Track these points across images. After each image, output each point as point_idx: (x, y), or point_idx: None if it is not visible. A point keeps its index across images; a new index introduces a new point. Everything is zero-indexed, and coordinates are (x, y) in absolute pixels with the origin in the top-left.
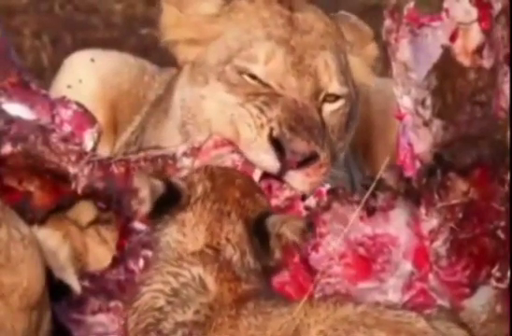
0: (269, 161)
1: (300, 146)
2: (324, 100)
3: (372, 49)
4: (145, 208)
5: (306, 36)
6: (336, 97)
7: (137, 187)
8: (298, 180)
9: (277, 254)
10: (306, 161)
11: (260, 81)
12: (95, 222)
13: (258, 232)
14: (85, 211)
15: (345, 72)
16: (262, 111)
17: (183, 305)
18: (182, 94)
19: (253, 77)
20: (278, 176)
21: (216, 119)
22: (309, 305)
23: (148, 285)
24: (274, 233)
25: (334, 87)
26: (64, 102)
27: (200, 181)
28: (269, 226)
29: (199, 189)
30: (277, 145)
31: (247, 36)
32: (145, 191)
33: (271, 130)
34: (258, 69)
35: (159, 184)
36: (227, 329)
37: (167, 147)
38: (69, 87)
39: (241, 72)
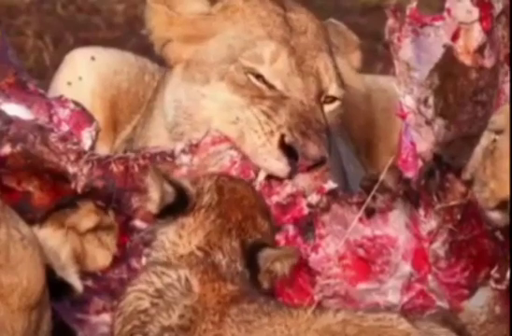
0: (279, 166)
1: (312, 150)
2: (324, 101)
3: (355, 59)
4: (152, 208)
5: (303, 37)
6: (333, 98)
7: (149, 186)
8: (306, 183)
9: (266, 285)
10: (316, 164)
11: (265, 82)
12: (95, 229)
13: (249, 264)
14: (84, 218)
15: (339, 74)
16: (269, 117)
17: (168, 308)
18: (176, 95)
19: (258, 77)
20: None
21: (217, 117)
22: (289, 315)
23: (133, 284)
24: (264, 269)
25: (334, 89)
26: (61, 101)
27: (208, 191)
28: (261, 260)
29: (205, 199)
30: (287, 150)
31: (249, 36)
32: (155, 195)
33: (282, 136)
34: (264, 69)
35: (171, 191)
36: None
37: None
38: (69, 84)
39: (247, 72)
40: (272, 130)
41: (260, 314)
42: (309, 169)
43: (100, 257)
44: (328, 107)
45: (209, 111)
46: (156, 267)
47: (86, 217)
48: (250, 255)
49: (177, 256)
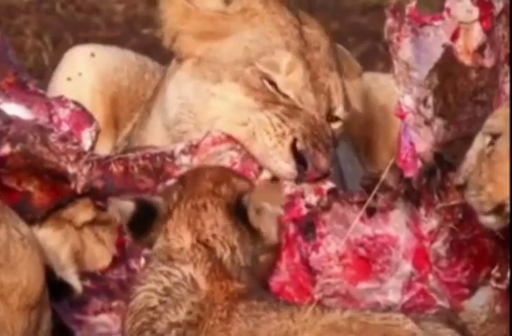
0: (288, 169)
1: (322, 163)
2: (329, 120)
3: (357, 85)
4: (128, 234)
5: (317, 53)
6: (336, 118)
7: (112, 214)
8: (309, 191)
9: (264, 230)
10: (321, 177)
11: (278, 90)
12: (92, 223)
13: (239, 214)
14: (81, 212)
15: (346, 97)
16: (283, 121)
17: (175, 305)
18: (182, 91)
19: (272, 83)
20: None
21: (225, 117)
22: (297, 310)
23: (142, 284)
24: (251, 209)
25: (340, 110)
26: (61, 101)
27: (174, 188)
28: (245, 201)
29: (174, 196)
30: (298, 157)
31: (267, 42)
32: (117, 215)
33: (294, 140)
34: (279, 78)
35: (128, 204)
36: (218, 332)
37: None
38: (69, 79)
39: (262, 77)
40: (284, 132)
41: (269, 309)
42: (316, 180)
43: (98, 253)
44: (333, 126)
45: (217, 111)
46: (162, 266)
47: (83, 210)
48: (238, 206)
49: (176, 251)
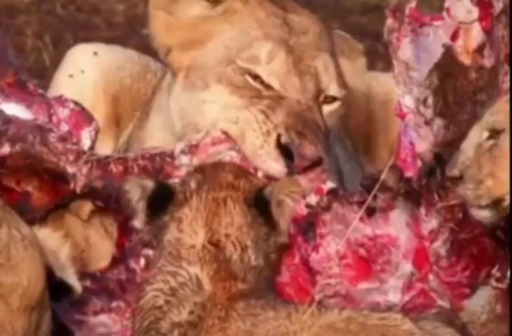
0: (277, 167)
1: (308, 150)
2: (323, 101)
3: (360, 65)
4: (140, 218)
5: (304, 37)
6: (333, 98)
7: (128, 189)
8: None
9: (282, 224)
10: (312, 165)
11: (262, 82)
12: (100, 213)
13: (259, 206)
14: (85, 203)
15: (341, 74)
16: (267, 116)
17: (178, 305)
18: (180, 104)
19: (255, 77)
20: None
21: (220, 118)
22: (295, 310)
23: (150, 283)
24: (274, 201)
25: (334, 89)
26: (60, 101)
27: (192, 176)
28: (267, 195)
29: (192, 183)
30: (284, 150)
31: (246, 37)
32: (136, 192)
33: (278, 136)
34: (261, 69)
35: (148, 182)
36: (216, 331)
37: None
38: (71, 76)
39: (243, 73)
40: (269, 129)
41: (266, 308)
42: (305, 170)
43: (104, 249)
44: (328, 108)
45: (212, 114)
46: (169, 266)
47: (86, 202)
48: (257, 199)
49: (186, 247)
